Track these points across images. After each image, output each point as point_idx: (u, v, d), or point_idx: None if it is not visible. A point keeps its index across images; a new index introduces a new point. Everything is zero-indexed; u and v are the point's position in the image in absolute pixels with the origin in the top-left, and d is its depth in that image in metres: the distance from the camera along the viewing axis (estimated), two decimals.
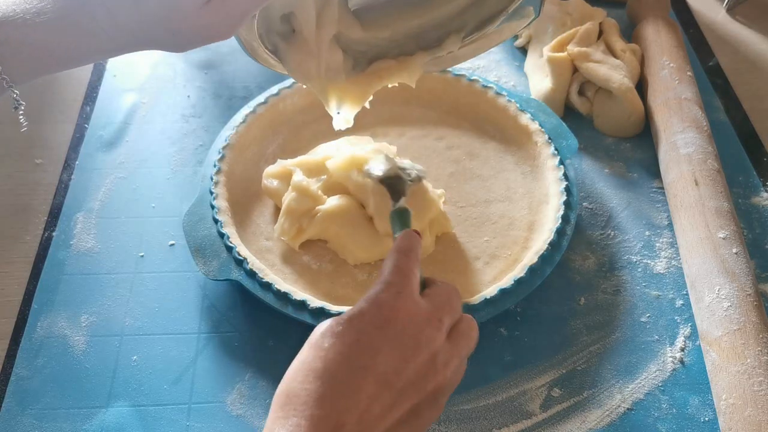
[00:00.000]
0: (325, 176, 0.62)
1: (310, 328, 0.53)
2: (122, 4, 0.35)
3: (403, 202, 0.52)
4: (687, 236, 0.60)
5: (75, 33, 0.36)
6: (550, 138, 0.66)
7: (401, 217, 0.50)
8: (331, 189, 0.62)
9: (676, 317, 0.59)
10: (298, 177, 0.61)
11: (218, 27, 0.38)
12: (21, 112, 0.40)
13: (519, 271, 0.57)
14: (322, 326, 0.38)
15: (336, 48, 0.51)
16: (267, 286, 0.55)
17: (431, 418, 0.38)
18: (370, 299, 0.38)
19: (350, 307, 0.39)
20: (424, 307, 0.39)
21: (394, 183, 0.55)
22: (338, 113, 0.54)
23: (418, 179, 0.57)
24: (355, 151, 0.61)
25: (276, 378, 0.54)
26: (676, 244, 0.63)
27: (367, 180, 0.58)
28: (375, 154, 0.60)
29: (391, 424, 0.36)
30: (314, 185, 0.61)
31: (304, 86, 0.52)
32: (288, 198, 0.61)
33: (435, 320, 0.39)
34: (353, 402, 0.34)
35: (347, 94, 0.53)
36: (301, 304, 0.54)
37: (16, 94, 0.39)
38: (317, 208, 0.60)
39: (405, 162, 0.59)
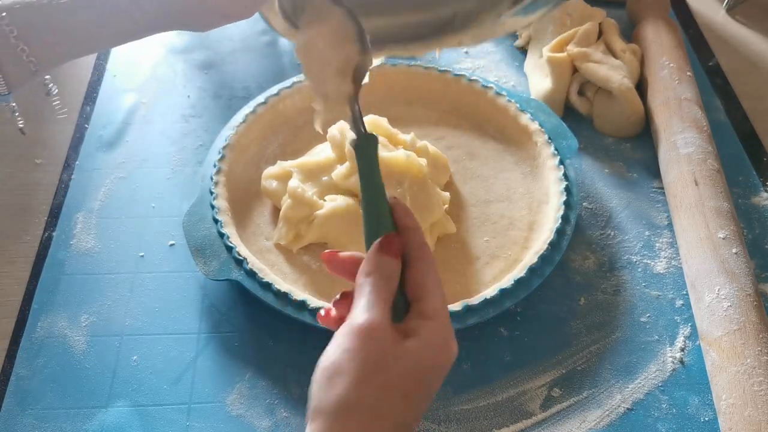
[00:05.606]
0: (326, 178, 0.62)
1: (310, 328, 0.54)
2: None
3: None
4: (687, 236, 0.60)
5: (97, 14, 0.36)
6: (550, 138, 0.66)
7: (361, 151, 0.37)
8: (333, 189, 0.62)
9: (676, 317, 0.59)
10: (294, 183, 0.61)
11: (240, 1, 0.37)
12: (17, 116, 0.40)
13: (519, 271, 0.57)
14: None
15: None
16: (267, 286, 0.55)
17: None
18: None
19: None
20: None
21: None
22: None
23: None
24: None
25: (276, 378, 0.54)
26: (676, 244, 0.63)
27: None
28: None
29: None
30: (310, 191, 0.61)
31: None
32: (284, 205, 0.61)
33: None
34: None
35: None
36: (301, 304, 0.54)
37: (47, 80, 0.38)
38: (315, 213, 0.60)
39: None
